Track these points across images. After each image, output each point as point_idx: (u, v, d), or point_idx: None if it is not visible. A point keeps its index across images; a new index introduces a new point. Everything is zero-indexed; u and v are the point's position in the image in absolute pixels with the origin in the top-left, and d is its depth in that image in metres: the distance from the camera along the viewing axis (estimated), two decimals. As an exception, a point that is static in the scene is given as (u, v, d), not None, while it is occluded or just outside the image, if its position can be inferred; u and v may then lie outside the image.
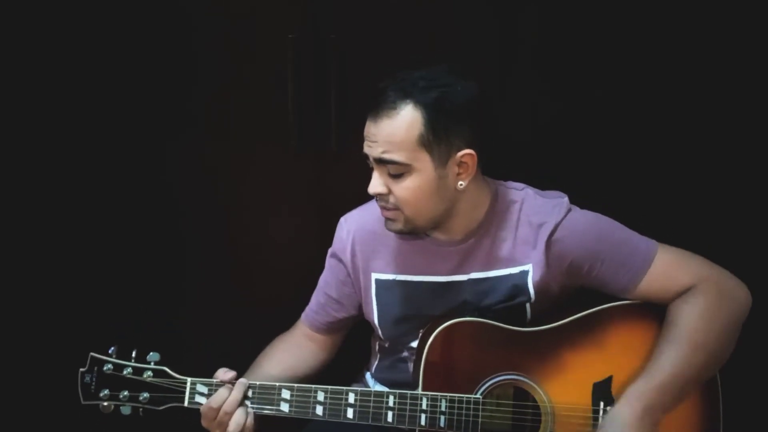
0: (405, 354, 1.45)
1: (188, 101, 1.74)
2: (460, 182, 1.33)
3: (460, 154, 1.30)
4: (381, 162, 1.30)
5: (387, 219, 1.36)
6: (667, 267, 1.33)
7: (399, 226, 1.35)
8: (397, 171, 1.29)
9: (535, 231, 1.36)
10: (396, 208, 1.32)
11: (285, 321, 1.80)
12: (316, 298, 1.54)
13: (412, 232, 1.37)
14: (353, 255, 1.46)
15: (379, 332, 1.47)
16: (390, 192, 1.31)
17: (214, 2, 1.70)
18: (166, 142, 1.76)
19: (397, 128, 1.27)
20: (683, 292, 1.31)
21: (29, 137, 1.72)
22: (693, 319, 1.28)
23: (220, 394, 1.29)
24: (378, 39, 1.67)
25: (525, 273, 1.37)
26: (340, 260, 1.48)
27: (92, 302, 1.79)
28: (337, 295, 1.50)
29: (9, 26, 1.66)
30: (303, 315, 1.56)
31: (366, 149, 1.32)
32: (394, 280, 1.43)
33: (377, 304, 1.45)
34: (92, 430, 1.46)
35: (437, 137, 1.28)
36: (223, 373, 1.34)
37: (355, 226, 1.47)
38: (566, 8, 1.66)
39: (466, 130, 1.30)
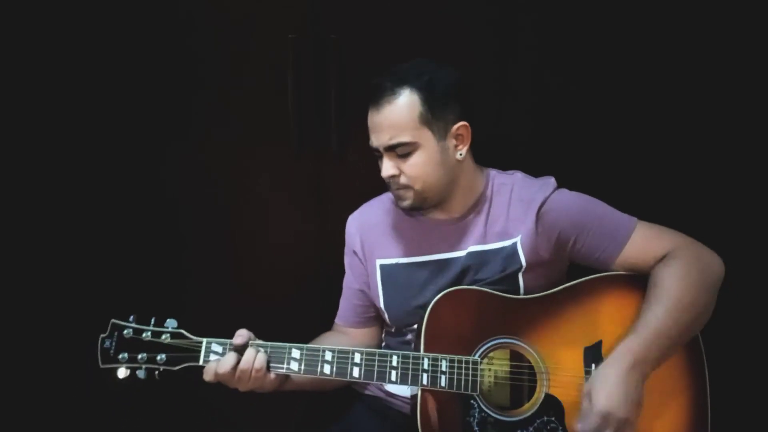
0: (409, 337, 1.51)
1: (189, 102, 1.73)
2: (459, 152, 1.44)
3: (455, 126, 1.43)
4: (390, 148, 1.40)
5: (398, 197, 1.45)
6: (646, 238, 1.41)
7: (410, 201, 1.44)
8: (405, 151, 1.40)
9: (525, 206, 1.45)
10: (407, 186, 1.42)
11: (285, 320, 1.79)
12: (343, 296, 1.61)
13: (421, 206, 1.46)
14: (362, 246, 1.54)
15: (386, 316, 1.52)
16: (401, 172, 1.41)
17: (214, 3, 1.69)
18: (166, 142, 1.75)
19: (399, 111, 1.38)
20: (661, 259, 1.39)
21: (31, 138, 1.71)
22: (673, 279, 1.34)
23: (229, 358, 1.33)
24: (378, 39, 1.67)
25: (515, 243, 1.45)
26: (355, 253, 1.56)
27: (92, 302, 1.78)
28: (359, 285, 1.56)
29: (10, 27, 1.65)
30: (336, 317, 1.62)
31: (374, 141, 1.42)
32: (397, 264, 1.51)
33: (383, 289, 1.51)
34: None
35: (435, 114, 1.40)
36: (238, 338, 1.37)
37: (361, 221, 1.57)
38: (565, 7, 1.66)
39: (457, 106, 1.42)
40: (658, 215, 1.44)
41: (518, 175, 1.51)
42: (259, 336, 1.79)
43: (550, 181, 1.48)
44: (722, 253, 1.39)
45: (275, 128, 1.72)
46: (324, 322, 1.59)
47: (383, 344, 1.60)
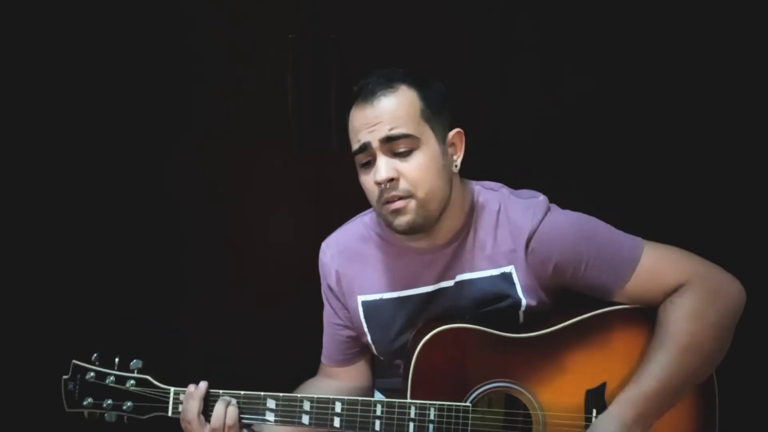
0: (398, 361, 1.38)
1: (188, 102, 1.70)
2: (455, 163, 1.29)
3: (451, 133, 1.28)
4: (389, 140, 1.21)
5: (396, 213, 1.24)
6: (654, 266, 1.24)
7: (410, 216, 1.23)
8: (407, 146, 1.22)
9: (513, 233, 1.29)
10: (407, 195, 1.22)
11: (285, 321, 1.79)
12: (326, 332, 1.46)
13: (422, 224, 1.25)
14: (339, 280, 1.39)
15: (373, 349, 1.41)
16: (399, 176, 1.22)
17: (214, 2, 1.67)
18: (166, 142, 1.72)
19: (400, 102, 1.23)
20: (672, 292, 1.23)
21: (30, 138, 1.69)
22: (682, 320, 1.20)
23: (190, 404, 1.24)
24: (378, 39, 1.64)
25: (509, 275, 1.30)
26: (331, 288, 1.41)
27: (92, 302, 1.77)
28: (342, 321, 1.42)
29: (10, 27, 1.63)
30: (322, 357, 1.47)
31: (365, 137, 1.23)
32: (381, 299, 1.36)
33: (368, 326, 1.38)
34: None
35: (435, 112, 1.25)
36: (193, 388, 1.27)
37: (337, 250, 1.40)
38: (566, 9, 1.64)
39: (449, 113, 1.29)
40: (661, 219, 1.42)
41: (504, 192, 1.34)
42: (258, 336, 1.79)
43: (539, 202, 1.30)
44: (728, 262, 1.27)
45: (275, 128, 1.69)
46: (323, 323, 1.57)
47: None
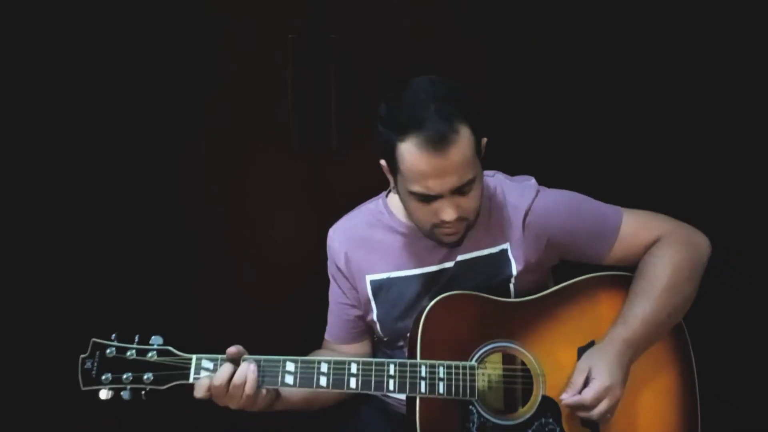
0: (401, 343, 1.46)
1: (188, 102, 1.69)
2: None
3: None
4: (457, 190, 1.27)
5: (447, 235, 1.33)
6: (634, 228, 1.40)
7: (461, 234, 1.36)
8: (470, 185, 1.28)
9: (509, 213, 1.41)
10: (463, 220, 1.31)
11: (285, 320, 1.78)
12: (330, 311, 1.53)
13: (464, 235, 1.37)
14: (347, 262, 1.46)
15: (378, 328, 1.47)
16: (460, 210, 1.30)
17: (214, 2, 1.67)
18: (166, 142, 1.71)
19: (464, 151, 1.25)
20: (651, 246, 1.39)
21: (30, 137, 1.68)
22: (660, 268, 1.35)
23: (225, 369, 1.26)
24: (378, 39, 1.64)
25: (505, 251, 1.42)
26: (339, 269, 1.48)
27: (91, 302, 1.75)
28: (349, 300, 1.49)
29: (11, 28, 1.63)
30: (326, 334, 1.55)
31: (435, 187, 1.25)
32: (388, 278, 1.44)
33: (376, 304, 1.45)
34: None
35: (478, 139, 1.29)
36: (233, 348, 1.30)
37: (345, 235, 1.48)
38: (566, 9, 1.65)
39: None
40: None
41: (499, 177, 1.45)
42: (259, 336, 1.78)
43: (531, 184, 1.43)
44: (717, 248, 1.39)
45: (275, 128, 1.68)
46: (325, 323, 1.57)
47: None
